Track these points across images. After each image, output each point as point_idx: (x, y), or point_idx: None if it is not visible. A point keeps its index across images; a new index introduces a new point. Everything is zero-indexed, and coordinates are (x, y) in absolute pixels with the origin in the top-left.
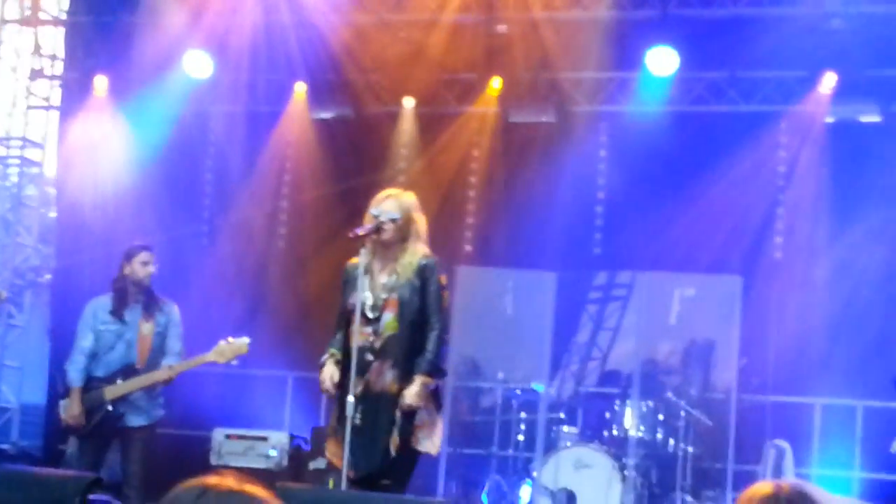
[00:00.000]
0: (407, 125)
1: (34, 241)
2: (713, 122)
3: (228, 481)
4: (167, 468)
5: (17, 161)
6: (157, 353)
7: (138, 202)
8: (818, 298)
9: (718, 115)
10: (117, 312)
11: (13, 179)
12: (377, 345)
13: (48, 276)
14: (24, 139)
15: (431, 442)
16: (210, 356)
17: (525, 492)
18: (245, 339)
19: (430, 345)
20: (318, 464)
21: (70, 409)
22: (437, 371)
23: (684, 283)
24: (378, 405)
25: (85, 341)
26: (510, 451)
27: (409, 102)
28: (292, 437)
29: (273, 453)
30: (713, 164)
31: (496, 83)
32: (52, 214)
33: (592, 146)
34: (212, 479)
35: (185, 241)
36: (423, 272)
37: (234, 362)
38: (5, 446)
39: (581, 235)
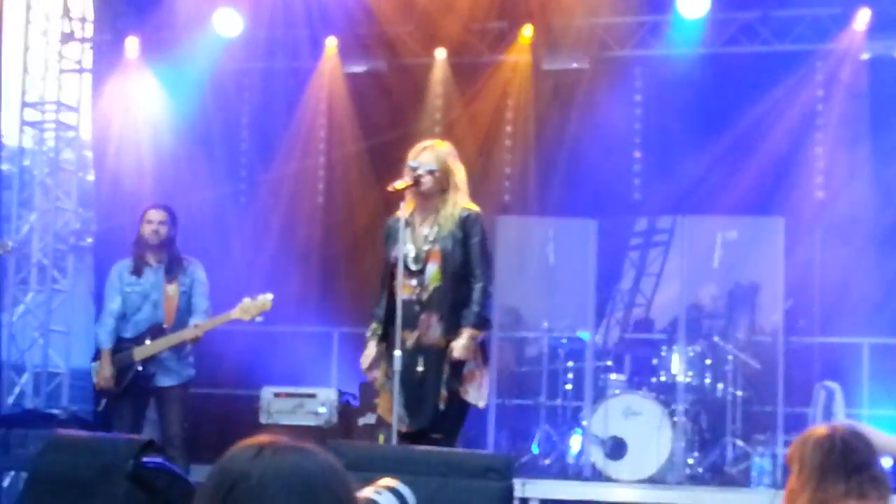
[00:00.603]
0: (440, 76)
1: (74, 205)
2: (747, 63)
3: (283, 439)
4: (217, 428)
5: (53, 125)
6: (184, 312)
7: (175, 162)
8: (862, 237)
9: (752, 56)
10: (137, 272)
11: (50, 144)
12: (423, 297)
13: (90, 240)
14: (58, 103)
15: (479, 394)
16: (235, 313)
17: (575, 441)
18: (269, 296)
19: (476, 296)
20: (367, 419)
21: (101, 372)
22: (483, 323)
23: (726, 226)
24: (428, 358)
25: (112, 303)
26: (558, 401)
27: (441, 53)
28: (341, 393)
29: (322, 410)
30: (749, 105)
31: (528, 31)
32: (91, 178)
33: (627, 91)
34: (266, 438)
35: (223, 200)
36: (465, 224)
37: (259, 318)
38: (57, 411)
39: (620, 182)
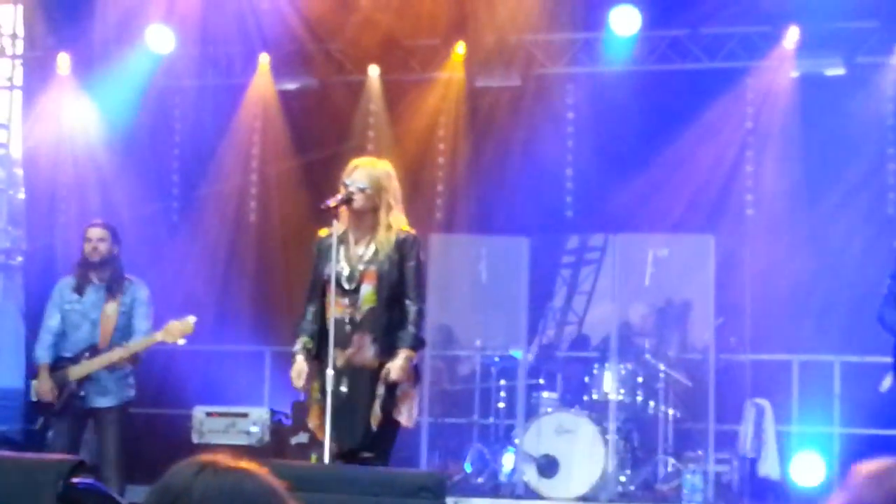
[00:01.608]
0: (372, 93)
1: (3, 223)
2: (678, 80)
3: (224, 458)
4: (149, 448)
5: None
6: (123, 332)
7: (107, 180)
8: (791, 254)
9: (683, 73)
10: (79, 289)
11: None
12: (357, 317)
13: (20, 259)
14: None
15: (409, 414)
16: (159, 335)
17: (508, 459)
18: (191, 318)
19: (412, 317)
20: (300, 438)
21: (40, 386)
22: (420, 344)
23: (657, 243)
24: (359, 379)
25: (51, 320)
26: (491, 419)
27: (373, 71)
28: (273, 412)
29: (255, 429)
30: (681, 122)
31: (460, 48)
32: (21, 196)
33: (559, 108)
34: (208, 457)
35: (154, 218)
36: (402, 247)
37: (182, 342)
38: None
39: (552, 199)
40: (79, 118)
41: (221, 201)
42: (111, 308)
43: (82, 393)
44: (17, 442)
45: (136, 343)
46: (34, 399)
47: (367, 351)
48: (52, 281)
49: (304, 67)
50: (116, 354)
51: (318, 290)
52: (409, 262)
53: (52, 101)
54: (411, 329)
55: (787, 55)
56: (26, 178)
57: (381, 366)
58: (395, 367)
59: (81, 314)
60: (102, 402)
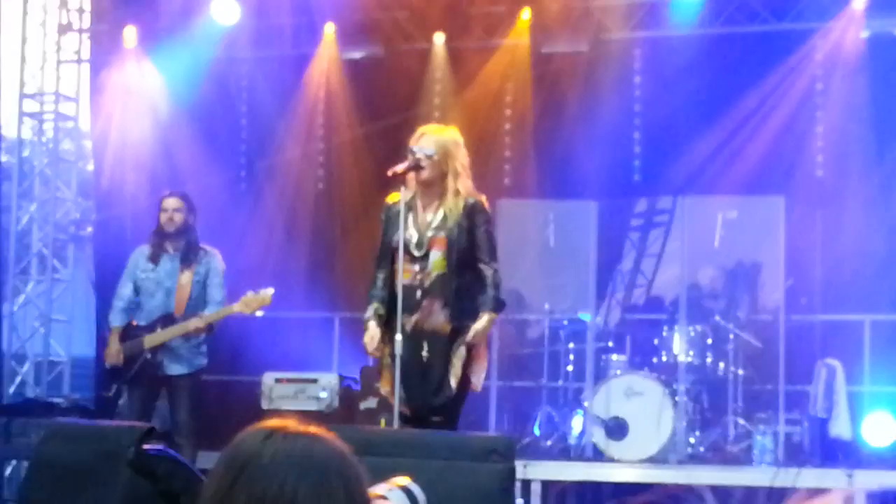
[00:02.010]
0: (438, 61)
1: (73, 194)
2: (746, 42)
3: (292, 424)
4: (219, 415)
5: (52, 116)
6: (197, 301)
7: (174, 151)
8: (861, 214)
9: (751, 36)
10: (154, 259)
11: (49, 135)
12: (426, 283)
13: (90, 230)
14: (57, 94)
15: (479, 377)
16: (236, 307)
17: (577, 422)
18: (269, 290)
19: (490, 281)
20: (369, 403)
21: (109, 348)
22: (500, 306)
23: (726, 205)
24: (430, 343)
25: (124, 288)
26: (560, 382)
27: (439, 38)
28: (342, 377)
29: (324, 395)
30: (749, 85)
31: (526, 14)
32: (90, 167)
33: (626, 73)
34: (276, 423)
35: (223, 188)
36: (471, 213)
37: (260, 313)
38: (58, 400)
39: (620, 163)
40: (146, 90)
41: (288, 170)
42: (186, 277)
43: (157, 360)
44: (89, 410)
45: (213, 313)
46: (107, 366)
47: (437, 316)
48: (121, 251)
49: (369, 36)
50: (192, 324)
51: (388, 257)
52: (480, 227)
53: (120, 73)
54: (491, 292)
55: (857, 15)
56: (95, 151)
57: (454, 330)
58: (479, 329)
59: (156, 283)
60: (176, 369)
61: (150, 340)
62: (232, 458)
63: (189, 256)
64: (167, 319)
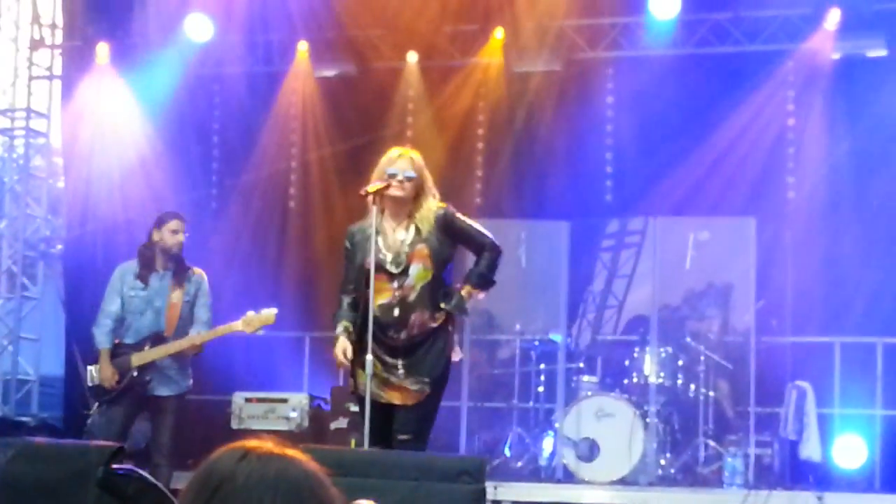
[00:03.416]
0: (411, 79)
1: (44, 211)
2: (719, 63)
3: (268, 444)
4: (189, 433)
5: (23, 132)
6: (186, 321)
7: (146, 168)
8: (832, 236)
9: (724, 57)
10: (143, 278)
11: (20, 151)
12: (410, 297)
13: (60, 247)
14: (28, 110)
15: (456, 351)
16: (238, 325)
17: (548, 443)
18: (272, 310)
19: (484, 261)
20: (339, 423)
21: (102, 371)
22: (485, 284)
23: (698, 226)
24: (423, 343)
25: (111, 305)
26: (531, 403)
27: (412, 57)
28: (312, 397)
29: (294, 415)
30: (721, 106)
31: (499, 33)
32: (61, 184)
33: (599, 93)
34: (251, 443)
35: (194, 206)
36: (445, 222)
37: (261, 332)
38: (26, 418)
39: (592, 183)
40: (118, 107)
41: (261, 188)
42: (176, 296)
43: (144, 380)
44: (58, 429)
45: (211, 332)
46: (90, 384)
47: (427, 322)
48: (91, 269)
49: (342, 54)
50: (188, 342)
51: (354, 281)
52: (459, 225)
53: (92, 90)
54: (479, 269)
55: (829, 37)
56: (66, 167)
57: (440, 321)
58: (457, 296)
59: (145, 301)
60: (165, 390)
61: (138, 358)
62: (206, 479)
63: (180, 276)
64: (156, 338)
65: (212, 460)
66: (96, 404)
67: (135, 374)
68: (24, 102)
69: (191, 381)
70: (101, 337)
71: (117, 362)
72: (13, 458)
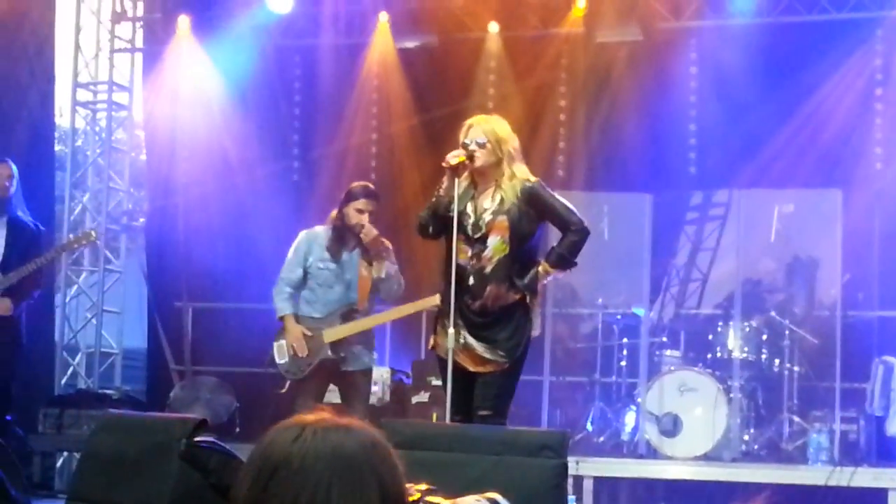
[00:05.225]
0: (493, 51)
1: (126, 185)
2: (805, 32)
3: (322, 417)
4: (272, 407)
5: (105, 105)
6: (375, 295)
7: (227, 141)
8: None
9: (809, 25)
10: (334, 252)
11: (102, 124)
12: (487, 268)
13: (142, 220)
14: (110, 83)
15: (535, 323)
16: (417, 305)
17: (630, 418)
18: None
19: (567, 240)
20: (420, 398)
21: (291, 334)
22: (564, 264)
23: (783, 199)
24: (499, 318)
25: (293, 273)
26: (613, 378)
27: (493, 27)
28: (394, 371)
29: (375, 388)
30: (807, 76)
31: (581, 3)
32: (143, 158)
33: (682, 63)
34: (309, 417)
35: (275, 178)
36: (531, 197)
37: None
38: (109, 391)
39: (675, 155)
40: (199, 80)
41: (342, 160)
42: (367, 270)
43: (341, 356)
44: (140, 402)
45: (411, 305)
46: (280, 361)
47: (503, 294)
48: (173, 242)
49: (423, 25)
50: (375, 320)
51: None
52: (548, 204)
53: (173, 62)
54: (559, 249)
55: None
56: (148, 140)
57: (518, 296)
58: (531, 274)
59: (335, 274)
60: (352, 365)
61: (331, 335)
62: (263, 461)
63: (371, 251)
64: (349, 312)
65: (266, 442)
66: (288, 382)
67: (329, 352)
68: (106, 75)
69: (375, 356)
70: (282, 303)
71: (308, 337)
72: (97, 430)
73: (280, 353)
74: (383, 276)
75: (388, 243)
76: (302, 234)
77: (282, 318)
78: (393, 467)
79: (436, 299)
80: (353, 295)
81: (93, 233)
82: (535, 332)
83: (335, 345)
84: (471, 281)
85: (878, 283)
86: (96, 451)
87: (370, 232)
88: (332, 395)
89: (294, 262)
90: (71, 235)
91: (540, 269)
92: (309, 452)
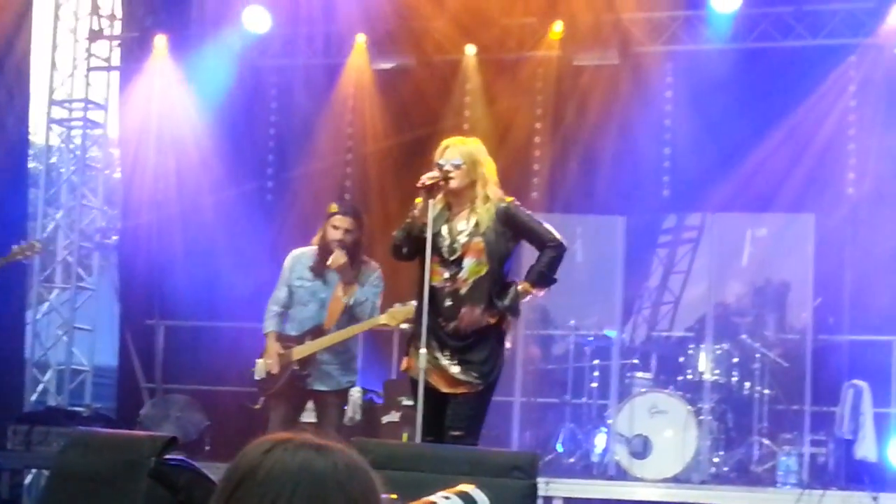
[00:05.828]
0: (469, 72)
1: (100, 202)
2: (779, 58)
3: (303, 437)
4: (242, 427)
5: (80, 123)
6: (348, 317)
7: (202, 160)
8: (892, 234)
9: (785, 51)
10: (317, 271)
11: (77, 142)
12: (462, 290)
13: (115, 238)
14: (86, 100)
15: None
16: (383, 318)
17: (600, 439)
18: (413, 303)
19: (544, 258)
20: (391, 417)
21: (266, 352)
22: (544, 281)
23: (756, 223)
24: (474, 340)
25: (279, 292)
26: (584, 399)
27: (470, 49)
28: (365, 390)
29: (346, 408)
30: (781, 101)
31: (558, 26)
32: (117, 175)
33: (658, 87)
34: (286, 435)
35: (249, 198)
36: (507, 217)
37: (405, 326)
38: (79, 408)
39: (649, 178)
40: (175, 98)
41: (316, 181)
42: (343, 290)
43: (305, 373)
44: (111, 419)
45: (358, 326)
46: (257, 378)
47: (477, 317)
48: (145, 260)
49: (400, 47)
50: (338, 336)
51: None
52: (521, 220)
53: (149, 81)
54: (539, 268)
55: (892, 32)
56: (122, 158)
57: (496, 318)
58: (512, 292)
59: (311, 292)
60: (321, 385)
61: (299, 352)
62: (231, 472)
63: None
64: (317, 331)
65: (241, 454)
66: (261, 398)
67: (295, 367)
68: (82, 93)
69: (354, 377)
70: (267, 321)
71: (281, 354)
72: (66, 447)
73: (259, 370)
74: (351, 302)
75: (375, 264)
76: (290, 254)
77: (266, 336)
78: (368, 491)
79: (381, 319)
80: (325, 314)
81: (36, 244)
82: (508, 345)
83: (302, 362)
84: (446, 303)
85: (848, 308)
86: (65, 469)
87: (337, 259)
88: (310, 414)
89: (281, 281)
90: (14, 247)
91: (520, 287)
92: (276, 466)
